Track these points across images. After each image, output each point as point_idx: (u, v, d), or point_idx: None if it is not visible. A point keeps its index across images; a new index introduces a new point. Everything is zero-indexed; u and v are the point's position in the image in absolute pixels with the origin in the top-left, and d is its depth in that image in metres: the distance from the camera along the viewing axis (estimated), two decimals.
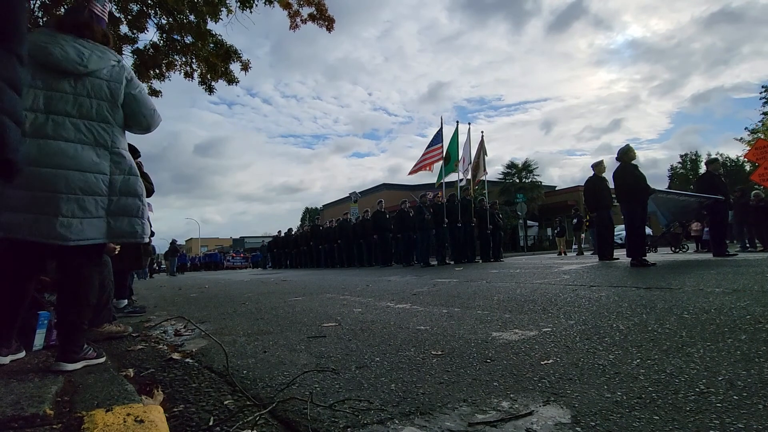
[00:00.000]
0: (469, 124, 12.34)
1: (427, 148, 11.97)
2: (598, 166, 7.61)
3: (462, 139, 11.80)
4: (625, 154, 6.16)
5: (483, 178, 12.49)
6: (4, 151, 1.07)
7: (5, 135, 1.07)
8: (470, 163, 11.84)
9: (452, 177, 12.09)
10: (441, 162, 11.61)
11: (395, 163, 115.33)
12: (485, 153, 12.27)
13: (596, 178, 7.55)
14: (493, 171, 29.08)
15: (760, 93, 26.04)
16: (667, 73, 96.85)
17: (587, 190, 7.73)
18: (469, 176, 11.92)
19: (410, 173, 12.64)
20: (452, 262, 10.26)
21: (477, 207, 10.94)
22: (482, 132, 12.62)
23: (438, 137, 11.72)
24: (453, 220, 10.21)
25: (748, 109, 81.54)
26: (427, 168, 11.95)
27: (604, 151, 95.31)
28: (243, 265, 24.85)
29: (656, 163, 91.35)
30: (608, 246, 7.72)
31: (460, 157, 11.55)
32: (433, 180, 12.54)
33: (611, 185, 6.85)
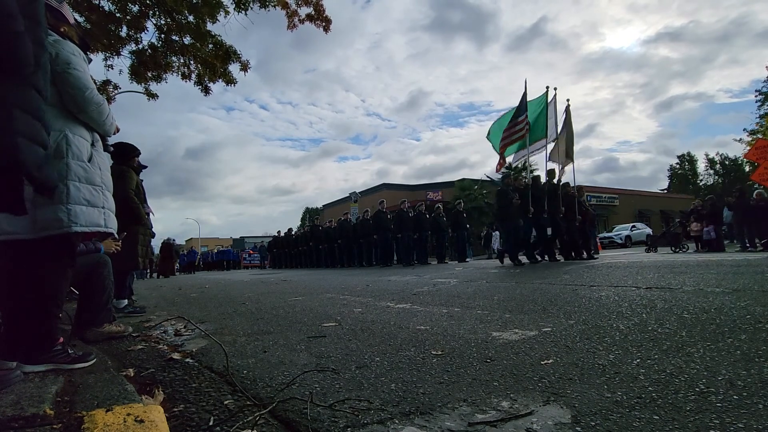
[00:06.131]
0: (555, 89, 8.88)
1: (509, 127, 8.70)
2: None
3: (551, 109, 8.85)
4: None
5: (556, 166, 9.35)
6: (23, 168, 1.09)
7: (19, 154, 1.09)
8: (555, 138, 9.10)
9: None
10: (523, 138, 8.73)
11: (383, 167, 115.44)
12: (571, 128, 9.35)
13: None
14: (491, 171, 28.83)
15: (755, 95, 26.91)
16: (645, 80, 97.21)
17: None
18: (551, 160, 9.17)
19: (497, 169, 9.98)
20: (545, 259, 8.45)
21: (562, 193, 8.59)
22: (568, 100, 9.31)
23: (521, 108, 8.60)
24: (539, 208, 8.08)
25: (718, 114, 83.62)
26: (501, 160, 9.10)
27: (582, 155, 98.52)
28: (262, 264, 24.64)
29: (636, 165, 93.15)
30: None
31: (549, 133, 8.86)
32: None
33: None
